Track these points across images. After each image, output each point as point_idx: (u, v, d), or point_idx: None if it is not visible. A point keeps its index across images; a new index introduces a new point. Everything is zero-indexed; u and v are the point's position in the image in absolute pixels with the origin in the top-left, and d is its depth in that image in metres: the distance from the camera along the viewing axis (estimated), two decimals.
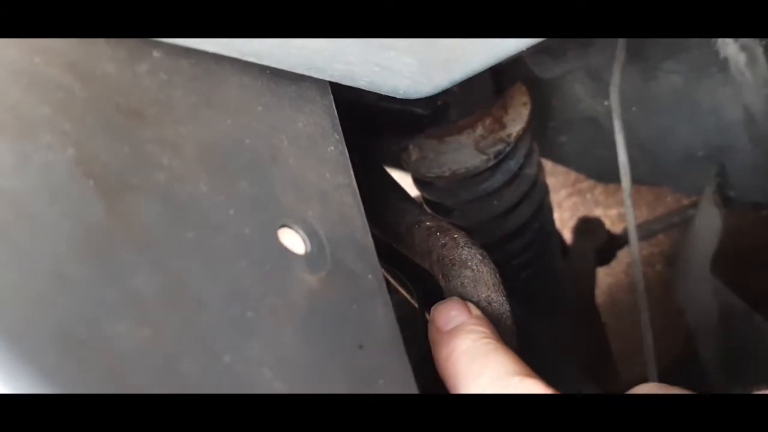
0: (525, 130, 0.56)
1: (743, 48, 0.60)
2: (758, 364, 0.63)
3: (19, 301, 0.23)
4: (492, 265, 0.42)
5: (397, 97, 0.38)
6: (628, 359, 0.91)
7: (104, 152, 0.28)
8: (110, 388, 0.24)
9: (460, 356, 0.35)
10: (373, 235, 0.38)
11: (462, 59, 0.36)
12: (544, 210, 0.65)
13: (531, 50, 0.35)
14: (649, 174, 0.76)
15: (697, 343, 0.72)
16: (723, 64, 0.61)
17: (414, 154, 0.56)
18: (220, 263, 0.29)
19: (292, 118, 0.37)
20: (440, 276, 0.43)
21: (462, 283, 0.41)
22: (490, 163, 0.55)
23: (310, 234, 0.34)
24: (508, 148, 0.55)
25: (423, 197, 0.62)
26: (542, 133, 0.75)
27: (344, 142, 0.39)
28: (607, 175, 0.75)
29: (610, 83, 0.62)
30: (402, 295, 0.55)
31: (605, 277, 1.21)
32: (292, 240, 0.33)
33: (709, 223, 0.70)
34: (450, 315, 0.37)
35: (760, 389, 0.31)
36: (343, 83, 0.37)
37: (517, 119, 0.55)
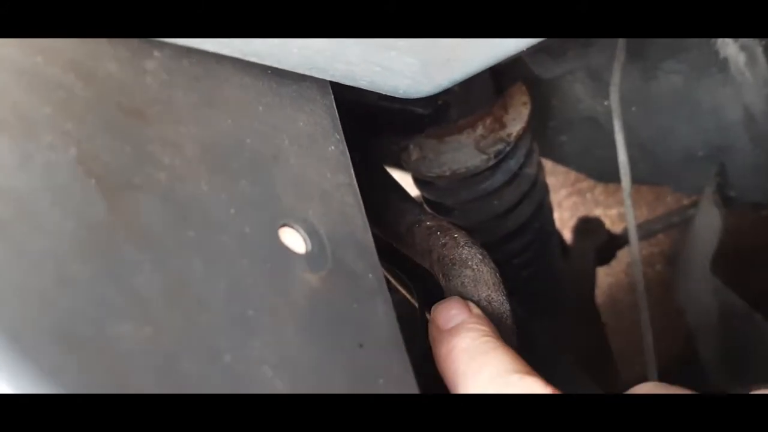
0: (525, 130, 0.56)
1: (743, 48, 0.60)
2: (758, 364, 0.64)
3: (20, 300, 0.23)
4: (492, 265, 0.42)
5: (398, 96, 0.38)
6: (628, 359, 0.91)
7: (106, 152, 0.28)
8: (111, 388, 0.24)
9: (459, 354, 0.35)
10: (374, 235, 0.38)
11: (462, 59, 0.36)
12: (544, 210, 0.65)
13: (531, 50, 0.35)
14: (649, 174, 0.76)
15: (697, 343, 0.72)
16: (723, 64, 0.61)
17: (414, 154, 0.56)
18: (221, 262, 0.29)
19: (293, 117, 0.37)
20: (440, 275, 0.43)
21: (462, 283, 0.41)
22: (491, 163, 0.55)
23: (311, 233, 0.34)
24: (508, 148, 0.55)
25: (423, 197, 0.62)
26: (542, 133, 0.75)
27: (345, 142, 0.39)
28: (607, 175, 0.75)
29: (610, 83, 0.62)
30: (402, 294, 0.55)
31: (605, 277, 1.21)
32: (293, 239, 0.33)
33: (709, 223, 0.70)
34: (450, 314, 0.37)
35: (759, 389, 0.31)
36: (343, 83, 0.37)
37: (517, 119, 0.56)
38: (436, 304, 0.39)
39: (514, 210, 0.60)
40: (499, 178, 0.57)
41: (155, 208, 0.28)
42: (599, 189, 1.34)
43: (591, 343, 0.83)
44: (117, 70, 0.31)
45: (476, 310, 0.38)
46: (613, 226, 1.15)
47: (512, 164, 0.57)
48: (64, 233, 0.25)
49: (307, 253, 0.33)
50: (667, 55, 0.63)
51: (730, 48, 0.60)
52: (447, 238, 0.44)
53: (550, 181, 0.73)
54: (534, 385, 0.32)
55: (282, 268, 0.32)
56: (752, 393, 0.30)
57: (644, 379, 0.61)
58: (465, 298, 0.40)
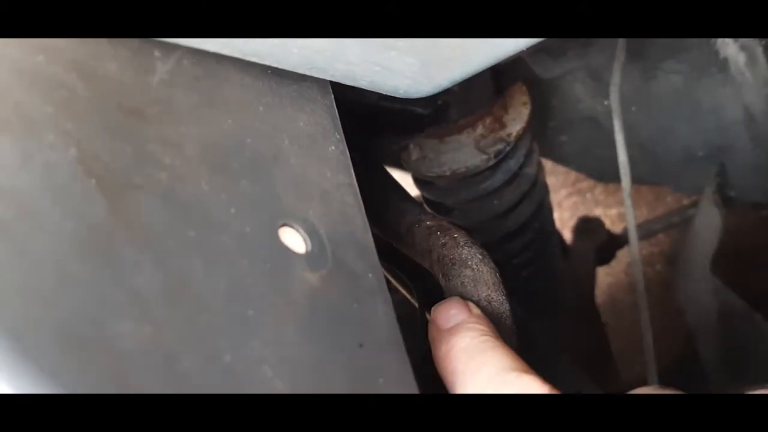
0: (525, 130, 0.56)
1: (743, 48, 0.60)
2: (758, 364, 0.64)
3: (20, 300, 0.23)
4: (492, 265, 0.42)
5: (398, 96, 0.38)
6: (628, 359, 0.91)
7: (106, 151, 0.28)
8: (111, 388, 0.24)
9: (458, 353, 0.35)
10: (374, 235, 0.38)
11: (462, 59, 0.36)
12: (544, 209, 0.65)
13: (531, 50, 0.35)
14: (649, 174, 0.76)
15: (697, 343, 0.72)
16: (723, 64, 0.61)
17: (414, 154, 0.56)
18: (221, 262, 0.29)
19: (293, 117, 0.37)
20: (440, 275, 0.43)
21: (462, 283, 0.41)
22: (491, 163, 0.55)
23: (311, 233, 0.34)
24: (508, 148, 0.55)
25: (423, 197, 0.62)
26: (542, 132, 0.75)
27: (345, 142, 0.39)
28: (607, 174, 0.75)
29: (610, 83, 0.62)
30: (402, 294, 0.55)
31: (605, 276, 1.21)
32: (293, 239, 0.33)
33: (709, 223, 0.70)
34: (450, 313, 0.37)
35: (757, 389, 0.31)
36: (344, 83, 0.37)
37: (517, 119, 0.56)
38: (436, 305, 0.39)
39: (514, 210, 0.60)
40: (499, 177, 0.57)
41: (156, 208, 0.28)
42: (599, 189, 1.34)
43: (591, 343, 0.83)
44: (118, 70, 0.31)
45: (476, 310, 0.38)
46: (613, 226, 1.15)
47: (512, 164, 0.57)
48: (64, 233, 0.25)
49: (307, 252, 0.33)
50: (667, 55, 0.63)
51: (730, 48, 0.60)
52: (447, 237, 0.44)
53: (550, 181, 0.73)
54: (532, 384, 0.32)
55: (282, 268, 0.32)
56: (752, 393, 0.30)
57: (644, 379, 0.61)
58: (465, 298, 0.40)
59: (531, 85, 0.58)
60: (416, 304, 0.52)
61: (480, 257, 0.42)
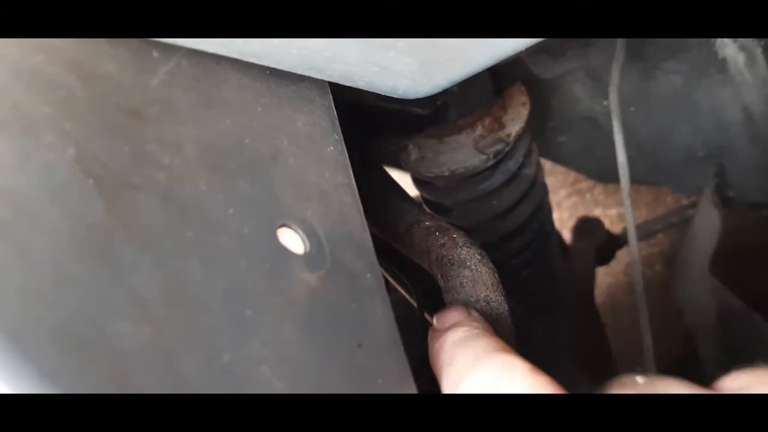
0: (524, 130, 0.56)
1: (742, 48, 0.60)
2: (758, 364, 0.63)
3: (19, 300, 0.23)
4: (491, 265, 0.42)
5: (397, 97, 0.38)
6: (628, 359, 0.91)
7: (104, 152, 0.28)
8: (111, 388, 0.24)
9: (448, 345, 0.34)
10: (373, 235, 0.38)
11: (461, 59, 0.36)
12: (543, 210, 0.65)
13: (530, 50, 0.35)
14: (648, 174, 0.76)
15: (696, 343, 0.72)
16: (722, 65, 0.61)
17: (413, 154, 0.56)
18: (219, 262, 0.29)
19: (291, 118, 0.37)
20: (439, 275, 0.43)
21: (461, 283, 0.41)
22: (490, 163, 0.55)
23: (309, 234, 0.34)
24: (507, 148, 0.55)
25: (422, 197, 0.62)
26: (542, 133, 0.75)
27: (343, 142, 0.39)
28: (606, 175, 0.75)
29: (609, 83, 0.62)
30: (401, 294, 0.55)
31: (605, 277, 1.21)
32: (291, 239, 0.33)
33: (708, 224, 0.70)
34: (449, 316, 0.37)
35: (741, 371, 0.31)
36: (342, 83, 0.37)
37: (516, 119, 0.56)
38: (438, 312, 0.39)
39: (513, 210, 0.61)
40: (498, 178, 0.57)
41: (154, 208, 0.28)
42: (598, 189, 1.34)
43: (591, 343, 0.83)
44: (117, 70, 0.31)
45: (476, 314, 0.38)
46: (613, 226, 1.15)
47: (511, 164, 0.57)
48: (62, 233, 0.25)
49: (305, 253, 0.33)
50: (666, 55, 0.63)
51: (729, 48, 0.60)
52: (445, 238, 0.44)
53: (550, 181, 0.73)
54: (512, 360, 0.31)
55: (280, 269, 0.32)
56: (744, 393, 0.29)
57: None
58: (463, 298, 0.40)
59: (530, 86, 0.58)
60: (415, 304, 0.52)
61: (479, 258, 0.42)
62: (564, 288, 0.79)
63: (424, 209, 0.53)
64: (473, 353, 0.33)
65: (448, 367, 0.33)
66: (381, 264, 0.37)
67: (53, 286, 0.24)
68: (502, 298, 0.41)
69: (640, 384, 0.31)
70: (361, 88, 0.37)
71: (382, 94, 0.37)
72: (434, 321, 0.38)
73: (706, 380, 0.33)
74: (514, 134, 0.55)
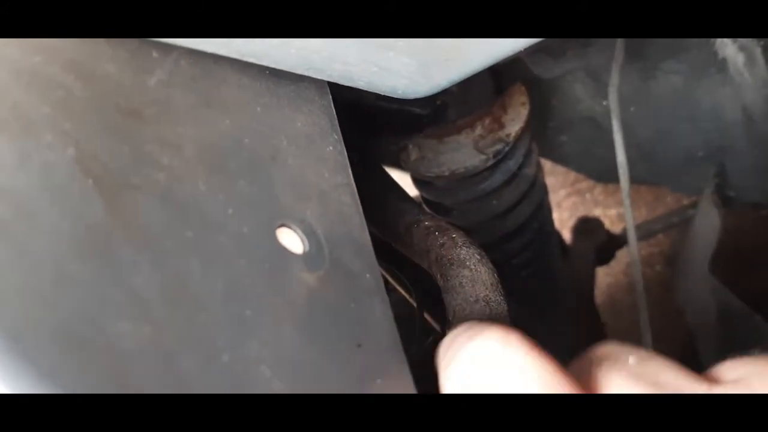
0: (524, 130, 0.56)
1: (742, 48, 0.60)
2: (755, 352, 0.63)
3: (19, 300, 0.23)
4: (490, 265, 0.42)
5: (396, 97, 0.38)
6: None
7: (104, 152, 0.28)
8: (111, 388, 0.24)
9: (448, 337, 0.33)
10: (372, 235, 0.38)
11: (461, 59, 0.36)
12: (543, 210, 0.65)
13: (530, 50, 0.35)
14: (648, 174, 0.76)
15: (696, 343, 0.72)
16: (722, 65, 0.61)
17: (413, 154, 0.56)
18: (218, 262, 0.30)
19: (291, 118, 0.37)
20: (438, 275, 0.43)
21: (460, 283, 0.41)
22: (489, 163, 0.55)
23: (309, 234, 0.34)
24: (507, 148, 0.55)
25: (422, 197, 0.62)
26: (542, 133, 0.75)
27: (343, 142, 0.39)
28: (606, 175, 0.75)
29: (609, 84, 0.62)
30: (400, 294, 0.55)
31: (605, 277, 1.21)
32: (291, 239, 0.33)
33: (708, 224, 0.70)
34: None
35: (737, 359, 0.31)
36: (341, 83, 0.37)
37: (516, 119, 0.56)
38: None
39: (513, 210, 0.61)
40: (497, 178, 0.57)
41: (153, 208, 0.29)
42: (598, 189, 1.34)
43: (590, 343, 0.82)
44: (116, 70, 0.31)
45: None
46: (613, 226, 1.15)
47: (511, 164, 0.57)
48: (62, 233, 0.25)
49: (304, 253, 0.33)
50: (666, 55, 0.63)
51: (728, 48, 0.60)
52: (445, 238, 0.44)
53: (550, 181, 0.73)
54: (495, 328, 0.30)
55: (280, 268, 0.32)
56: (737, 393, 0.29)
57: None
58: (463, 298, 0.40)
59: (530, 86, 0.58)
60: (415, 304, 0.52)
61: (478, 257, 0.42)
62: (564, 288, 0.79)
63: (423, 209, 0.53)
64: (465, 328, 0.31)
65: (448, 345, 0.32)
66: (380, 264, 0.37)
67: (53, 286, 0.24)
68: (502, 298, 0.41)
69: (631, 365, 0.31)
70: (360, 88, 0.37)
71: (382, 94, 0.37)
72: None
73: None
74: (513, 134, 0.55)
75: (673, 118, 0.69)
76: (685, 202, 1.13)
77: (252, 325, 0.29)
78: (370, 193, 0.41)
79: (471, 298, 0.40)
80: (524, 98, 0.57)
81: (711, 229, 0.69)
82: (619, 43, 0.60)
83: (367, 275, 0.35)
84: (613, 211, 1.30)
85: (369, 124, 0.54)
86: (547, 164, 0.78)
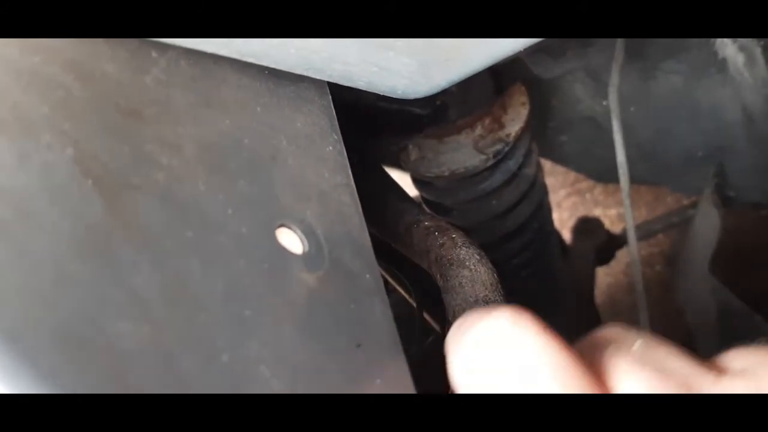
0: (524, 130, 0.56)
1: (742, 48, 0.60)
2: (760, 342, 0.63)
3: (19, 300, 0.23)
4: (490, 265, 0.42)
5: (396, 97, 0.38)
6: None
7: (103, 152, 0.28)
8: (110, 388, 0.24)
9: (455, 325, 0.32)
10: (372, 235, 0.38)
11: (460, 59, 0.36)
12: (543, 210, 0.65)
13: (530, 50, 0.35)
14: (648, 174, 0.76)
15: (696, 344, 0.72)
16: (722, 65, 0.61)
17: (413, 154, 0.56)
18: (218, 262, 0.30)
19: (290, 118, 0.37)
20: (438, 275, 0.43)
21: (460, 283, 0.41)
22: (489, 163, 0.55)
23: (308, 234, 0.34)
24: (507, 148, 0.55)
25: (422, 197, 0.62)
26: (542, 133, 0.75)
27: (342, 142, 0.39)
28: (606, 175, 0.75)
29: (609, 84, 0.62)
30: (400, 294, 0.55)
31: (605, 277, 1.21)
32: (290, 239, 0.33)
33: (708, 224, 0.70)
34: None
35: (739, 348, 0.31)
36: (341, 83, 0.37)
37: (516, 119, 0.56)
38: None
39: (512, 210, 0.61)
40: (497, 178, 0.57)
41: (153, 208, 0.29)
42: (598, 189, 1.34)
43: None
44: (115, 70, 0.31)
45: None
46: (613, 226, 1.15)
47: (511, 164, 0.57)
48: (62, 233, 0.25)
49: (304, 253, 0.33)
50: (666, 55, 0.63)
51: (728, 48, 0.60)
52: (445, 238, 0.44)
53: (550, 181, 0.73)
54: (502, 310, 0.28)
55: (279, 269, 0.32)
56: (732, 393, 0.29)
57: None
58: (462, 298, 0.40)
59: (530, 86, 0.58)
60: (414, 304, 0.52)
61: (478, 258, 0.42)
62: (564, 288, 0.79)
63: (423, 209, 0.53)
64: (471, 314, 0.30)
65: (458, 326, 0.30)
66: (380, 264, 0.37)
67: (53, 286, 0.24)
68: (501, 298, 0.41)
69: (636, 350, 0.30)
70: (360, 88, 0.37)
71: (382, 94, 0.37)
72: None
73: None
74: (513, 134, 0.55)
75: (673, 118, 0.69)
76: (685, 202, 1.13)
77: (252, 325, 0.29)
78: (369, 193, 0.41)
79: (471, 299, 0.40)
80: (524, 98, 0.57)
81: (711, 229, 0.68)
82: (619, 43, 0.60)
83: (367, 275, 0.35)
84: (613, 211, 1.30)
85: (369, 124, 0.54)
86: (547, 164, 0.77)
